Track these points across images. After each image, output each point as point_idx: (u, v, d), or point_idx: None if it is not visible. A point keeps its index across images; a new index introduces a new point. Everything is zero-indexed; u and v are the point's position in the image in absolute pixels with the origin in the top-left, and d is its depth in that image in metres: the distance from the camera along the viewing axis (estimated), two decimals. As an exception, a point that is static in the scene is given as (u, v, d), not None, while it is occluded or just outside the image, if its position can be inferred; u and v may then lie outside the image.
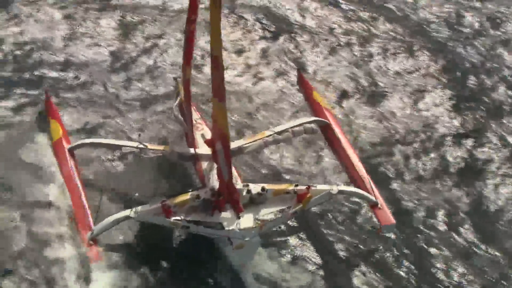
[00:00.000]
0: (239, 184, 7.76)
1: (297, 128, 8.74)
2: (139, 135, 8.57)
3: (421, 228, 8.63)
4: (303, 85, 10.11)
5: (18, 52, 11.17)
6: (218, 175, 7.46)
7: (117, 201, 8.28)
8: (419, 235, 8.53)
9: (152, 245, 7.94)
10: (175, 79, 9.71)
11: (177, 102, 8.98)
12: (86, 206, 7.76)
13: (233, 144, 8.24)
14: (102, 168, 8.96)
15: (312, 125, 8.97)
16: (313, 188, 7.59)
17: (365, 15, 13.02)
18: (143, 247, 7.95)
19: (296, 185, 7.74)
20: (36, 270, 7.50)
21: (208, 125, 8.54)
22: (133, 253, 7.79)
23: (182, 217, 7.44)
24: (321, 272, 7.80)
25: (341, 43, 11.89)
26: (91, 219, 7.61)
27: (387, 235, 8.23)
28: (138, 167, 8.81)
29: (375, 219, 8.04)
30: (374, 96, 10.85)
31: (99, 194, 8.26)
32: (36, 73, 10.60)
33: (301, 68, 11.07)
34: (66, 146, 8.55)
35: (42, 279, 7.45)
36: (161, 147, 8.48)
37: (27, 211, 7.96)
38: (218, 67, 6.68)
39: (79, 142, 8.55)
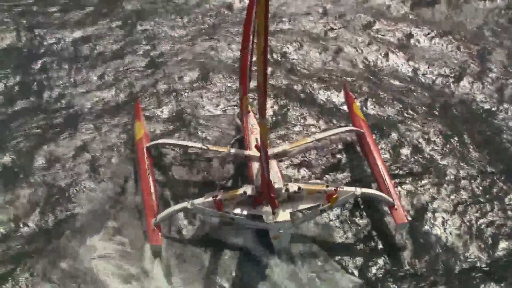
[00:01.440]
0: (279, 183, 8.54)
1: (334, 137, 9.64)
2: (203, 140, 9.90)
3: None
4: (347, 97, 10.87)
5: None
6: (261, 175, 8.27)
7: (179, 194, 9.36)
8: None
9: (204, 236, 8.92)
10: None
11: (237, 112, 10.10)
12: (154, 196, 8.86)
13: (279, 148, 9.35)
14: (171, 165, 9.90)
15: (348, 134, 9.85)
16: (340, 189, 8.41)
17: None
18: (196, 237, 8.91)
19: (327, 186, 8.61)
20: (110, 243, 8.66)
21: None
22: (188, 241, 8.81)
23: (230, 211, 8.44)
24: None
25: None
26: (156, 208, 8.72)
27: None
28: (199, 166, 9.93)
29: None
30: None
31: (166, 187, 9.47)
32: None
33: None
34: (145, 144, 9.64)
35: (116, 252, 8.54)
36: (220, 148, 9.48)
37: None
38: (262, 92, 7.42)
39: (155, 142, 9.71)
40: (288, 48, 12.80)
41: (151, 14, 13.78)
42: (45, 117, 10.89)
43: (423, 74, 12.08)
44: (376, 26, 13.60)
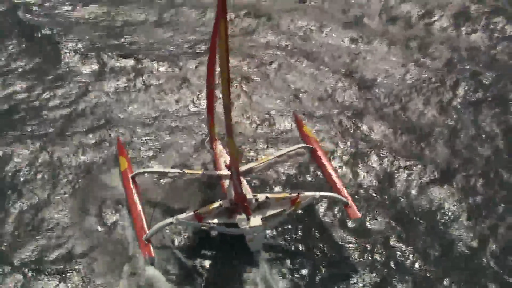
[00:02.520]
0: (249, 195, 9.69)
1: (291, 153, 11.28)
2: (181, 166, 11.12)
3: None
4: (297, 121, 12.49)
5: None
6: (233, 189, 9.52)
7: (164, 212, 10.42)
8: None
9: (191, 245, 10.06)
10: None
11: (208, 138, 11.24)
12: (143, 216, 9.99)
13: (245, 166, 10.76)
14: (154, 189, 11.03)
15: (303, 149, 11.46)
16: (301, 195, 9.62)
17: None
18: (184, 247, 10.03)
19: (290, 193, 9.76)
20: (107, 256, 9.78)
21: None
22: (177, 251, 9.91)
23: (210, 221, 9.51)
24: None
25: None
26: (146, 226, 9.80)
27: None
28: (179, 187, 11.04)
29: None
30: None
31: (152, 208, 10.52)
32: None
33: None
34: (130, 174, 10.89)
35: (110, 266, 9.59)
36: (196, 171, 10.86)
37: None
38: (228, 114, 8.46)
39: (137, 171, 10.84)
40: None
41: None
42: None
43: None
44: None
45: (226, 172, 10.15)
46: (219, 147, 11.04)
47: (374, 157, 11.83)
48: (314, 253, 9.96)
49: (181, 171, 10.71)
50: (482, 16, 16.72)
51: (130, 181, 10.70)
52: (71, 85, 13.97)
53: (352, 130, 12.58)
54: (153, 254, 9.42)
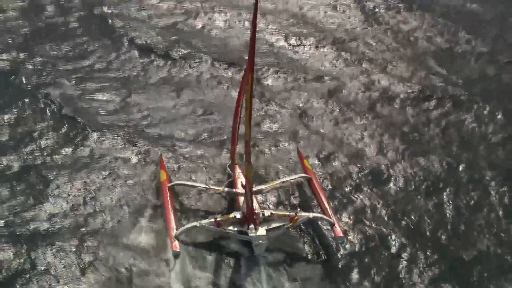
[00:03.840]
0: (258, 210, 11.52)
1: (293, 180, 13.53)
2: (206, 181, 13.27)
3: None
4: (299, 156, 14.45)
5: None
6: (246, 204, 11.35)
7: (191, 217, 12.52)
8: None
9: (211, 245, 11.95)
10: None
11: (229, 163, 13.59)
12: (173, 219, 11.83)
13: (257, 187, 12.46)
14: (186, 198, 13.17)
15: (302, 179, 13.58)
16: (298, 214, 11.53)
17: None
18: (206, 246, 11.94)
19: (290, 212, 11.69)
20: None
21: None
22: (200, 248, 11.85)
23: (226, 227, 11.45)
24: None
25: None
26: (175, 227, 11.61)
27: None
28: (205, 199, 13.18)
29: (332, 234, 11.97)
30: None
31: (181, 212, 12.67)
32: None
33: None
34: (167, 184, 12.80)
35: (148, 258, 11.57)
36: (218, 188, 12.77)
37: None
38: (247, 146, 10.63)
39: (173, 183, 12.84)
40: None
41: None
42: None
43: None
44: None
45: (241, 190, 12.32)
46: (237, 170, 13.27)
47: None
48: (307, 255, 12.06)
49: (206, 186, 12.82)
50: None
51: (167, 190, 12.64)
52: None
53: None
54: (178, 249, 11.18)
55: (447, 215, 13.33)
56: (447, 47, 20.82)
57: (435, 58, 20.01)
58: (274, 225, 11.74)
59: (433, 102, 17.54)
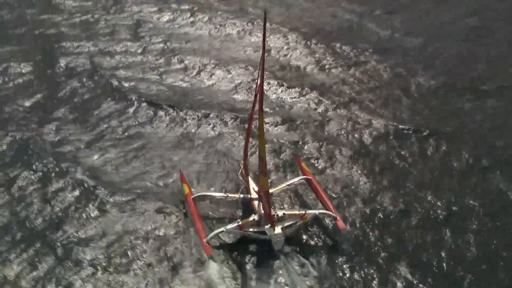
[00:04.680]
0: (273, 211, 13.19)
1: (296, 182, 15.46)
2: (224, 190, 15.40)
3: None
4: (297, 161, 16.43)
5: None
6: (263, 208, 13.07)
7: (218, 223, 14.36)
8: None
9: (236, 246, 13.81)
10: (238, 161, 16.58)
11: (240, 171, 15.19)
12: (202, 226, 13.64)
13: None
14: (209, 206, 15.09)
15: (303, 180, 15.57)
16: (307, 212, 13.51)
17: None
18: (233, 248, 13.76)
19: (299, 211, 13.62)
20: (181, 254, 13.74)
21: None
22: (229, 251, 13.71)
23: (248, 230, 13.21)
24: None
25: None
26: (205, 233, 13.30)
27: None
28: (226, 205, 15.14)
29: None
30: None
31: (209, 219, 14.53)
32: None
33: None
34: (190, 196, 14.53)
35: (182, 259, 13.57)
36: (235, 195, 14.55)
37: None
38: (263, 161, 12.50)
39: (195, 195, 14.61)
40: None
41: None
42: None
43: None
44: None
45: (255, 195, 14.21)
46: (249, 178, 15.13)
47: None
48: (317, 245, 14.06)
49: (224, 195, 14.69)
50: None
51: (191, 201, 14.47)
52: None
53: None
54: (212, 252, 12.88)
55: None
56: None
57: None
58: (287, 223, 13.55)
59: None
